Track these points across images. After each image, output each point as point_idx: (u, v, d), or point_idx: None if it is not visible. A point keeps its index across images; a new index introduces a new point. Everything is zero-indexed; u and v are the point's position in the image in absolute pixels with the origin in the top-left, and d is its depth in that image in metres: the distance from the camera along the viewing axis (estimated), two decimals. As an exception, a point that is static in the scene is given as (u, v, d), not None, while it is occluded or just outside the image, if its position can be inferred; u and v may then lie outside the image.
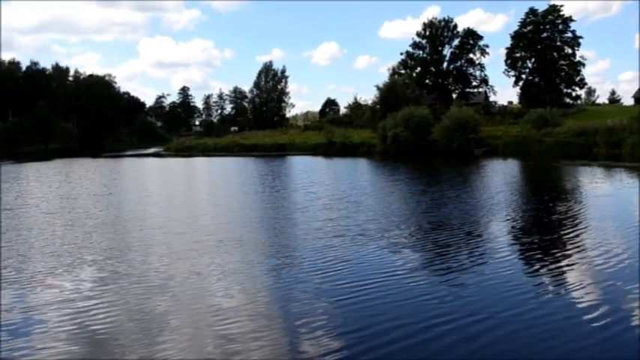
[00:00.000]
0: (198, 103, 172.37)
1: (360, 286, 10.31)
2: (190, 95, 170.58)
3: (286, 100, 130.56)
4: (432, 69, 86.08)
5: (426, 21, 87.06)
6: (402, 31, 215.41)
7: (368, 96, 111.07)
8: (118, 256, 13.19)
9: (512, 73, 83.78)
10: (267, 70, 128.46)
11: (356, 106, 78.66)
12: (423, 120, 54.65)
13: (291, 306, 9.36)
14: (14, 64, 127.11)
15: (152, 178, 42.30)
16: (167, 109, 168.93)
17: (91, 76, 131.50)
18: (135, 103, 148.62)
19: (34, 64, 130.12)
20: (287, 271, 11.64)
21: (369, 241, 14.31)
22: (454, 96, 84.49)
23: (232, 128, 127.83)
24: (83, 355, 7.56)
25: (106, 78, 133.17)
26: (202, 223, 18.30)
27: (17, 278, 11.43)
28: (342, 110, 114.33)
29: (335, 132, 66.58)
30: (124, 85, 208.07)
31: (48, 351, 7.70)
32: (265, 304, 9.58)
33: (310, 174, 37.25)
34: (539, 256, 12.68)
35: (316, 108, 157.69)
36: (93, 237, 15.86)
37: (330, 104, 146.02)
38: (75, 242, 15.07)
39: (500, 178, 30.48)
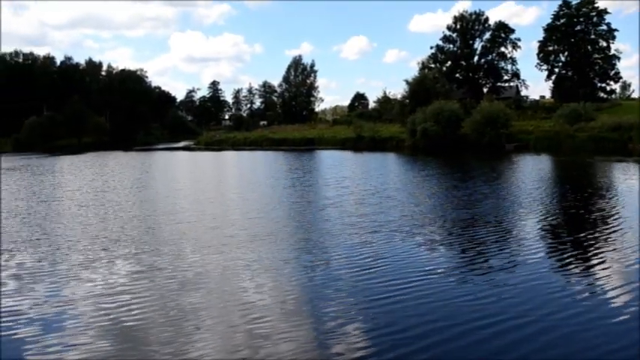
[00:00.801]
0: (228, 98, 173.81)
1: (395, 286, 10.15)
2: (220, 90, 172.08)
3: (315, 94, 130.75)
4: (463, 63, 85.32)
5: (457, 14, 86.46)
6: (432, 25, 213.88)
7: (397, 90, 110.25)
8: (150, 251, 13.32)
9: (544, 66, 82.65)
10: (296, 65, 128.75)
11: (385, 101, 78.39)
12: (453, 114, 54.20)
13: (324, 304, 9.23)
14: (49, 59, 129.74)
15: (183, 171, 42.80)
16: (197, 103, 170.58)
17: (123, 70, 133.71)
18: (166, 98, 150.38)
19: (68, 59, 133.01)
20: (320, 268, 11.52)
21: (404, 238, 14.18)
22: (485, 90, 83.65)
23: (261, 122, 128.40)
24: (115, 351, 7.62)
25: (138, 73, 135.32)
26: (234, 217, 18.32)
27: (51, 271, 11.60)
28: (371, 105, 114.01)
29: (364, 126, 66.44)
30: (155, 79, 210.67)
31: (80, 347, 7.73)
32: (298, 302, 9.53)
33: (341, 168, 37.20)
34: (578, 254, 12.37)
35: (345, 102, 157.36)
36: (126, 231, 16.06)
37: (359, 98, 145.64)
38: (108, 236, 15.26)
39: (533, 174, 30.00)
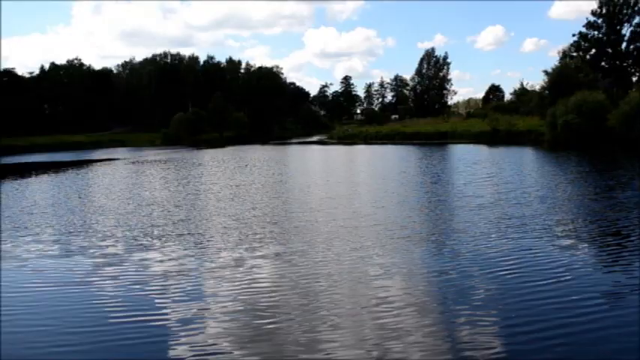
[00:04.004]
0: (360, 92, 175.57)
1: (563, 307, 9.17)
2: (352, 84, 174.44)
3: (448, 87, 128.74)
4: (609, 50, 79.69)
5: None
6: (574, 10, 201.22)
7: (535, 81, 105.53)
8: (290, 250, 13.36)
9: None
10: (428, 57, 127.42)
11: (522, 92, 75.54)
12: (597, 106, 51.01)
13: (458, 309, 9.04)
14: (194, 59, 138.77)
15: (319, 165, 44.09)
16: (330, 98, 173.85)
17: (260, 68, 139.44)
18: (300, 93, 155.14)
19: (211, 58, 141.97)
20: (469, 273, 11.10)
21: (567, 247, 13.15)
22: (634, 79, 77.80)
23: (393, 116, 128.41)
24: (250, 351, 7.84)
25: (274, 70, 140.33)
26: (378, 216, 17.89)
27: (193, 268, 12.13)
28: (507, 97, 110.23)
29: (500, 119, 64.46)
30: (290, 75, 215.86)
31: (214, 348, 7.98)
32: (431, 303, 9.42)
33: (484, 164, 35.89)
34: None
35: (479, 95, 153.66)
36: (267, 228, 16.30)
37: (494, 90, 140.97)
38: (247, 233, 15.57)
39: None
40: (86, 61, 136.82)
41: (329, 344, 7.95)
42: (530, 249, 12.94)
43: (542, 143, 53.08)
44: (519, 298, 9.63)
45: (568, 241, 13.71)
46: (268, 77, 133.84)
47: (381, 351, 7.66)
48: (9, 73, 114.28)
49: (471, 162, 38.35)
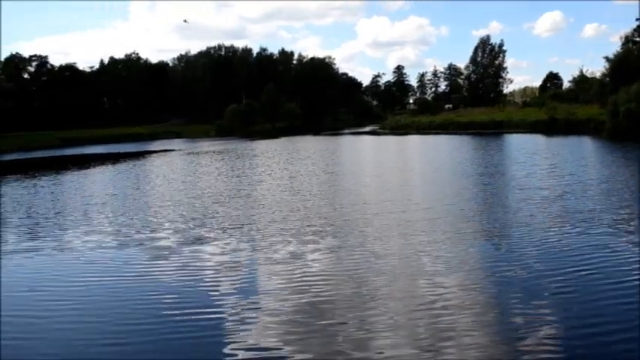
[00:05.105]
0: (413, 82, 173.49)
1: (624, 304, 8.85)
2: (405, 74, 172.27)
3: (504, 75, 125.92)
4: (677, 34, 76.19)
5: (671, -20, 77.24)
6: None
7: (596, 68, 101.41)
8: (343, 245, 13.12)
9: None
10: (483, 45, 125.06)
11: (582, 80, 73.02)
12: (662, 93, 48.76)
13: (521, 309, 8.73)
14: (247, 52, 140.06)
15: (372, 156, 43.81)
16: (382, 88, 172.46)
17: (312, 59, 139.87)
18: (352, 83, 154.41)
19: (263, 50, 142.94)
20: (523, 268, 10.76)
21: (636, 244, 12.21)
22: (703, 65, 74.01)
23: (446, 106, 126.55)
24: (300, 350, 7.69)
25: (326, 60, 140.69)
26: (437, 209, 17.31)
27: (247, 262, 12.07)
28: (566, 84, 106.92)
29: (558, 108, 62.57)
30: (342, 66, 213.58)
31: (267, 344, 7.88)
32: (492, 302, 9.15)
33: (545, 155, 34.49)
34: None
35: (536, 83, 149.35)
36: (320, 220, 16.11)
37: (552, 78, 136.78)
38: (301, 226, 15.39)
39: None
40: (143, 55, 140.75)
41: (383, 342, 7.78)
42: (599, 245, 12.30)
43: (602, 132, 51.03)
44: (588, 298, 9.17)
45: (640, 238, 12.98)
46: (320, 68, 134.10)
47: (437, 351, 7.44)
48: (70, 68, 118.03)
49: (530, 152, 37.05)
